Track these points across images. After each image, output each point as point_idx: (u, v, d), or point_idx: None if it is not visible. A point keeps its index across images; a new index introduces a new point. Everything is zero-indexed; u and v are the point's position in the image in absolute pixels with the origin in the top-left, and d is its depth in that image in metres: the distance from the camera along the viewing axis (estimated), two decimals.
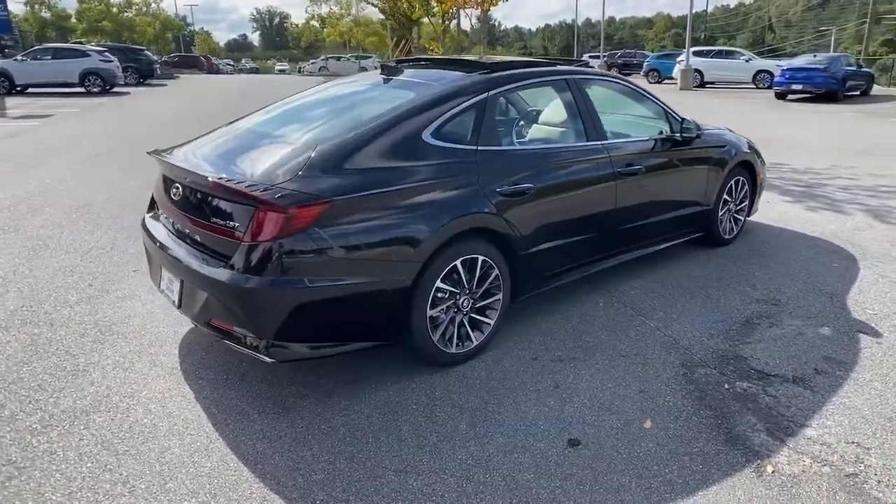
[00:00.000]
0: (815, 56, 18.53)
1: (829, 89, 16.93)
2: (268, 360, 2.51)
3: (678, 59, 24.46)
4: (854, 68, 18.48)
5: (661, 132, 4.00)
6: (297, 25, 77.83)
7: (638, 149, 3.79)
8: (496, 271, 3.00)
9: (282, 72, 56.91)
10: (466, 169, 2.90)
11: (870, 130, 11.87)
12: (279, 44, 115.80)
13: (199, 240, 2.70)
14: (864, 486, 2.16)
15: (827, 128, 12.33)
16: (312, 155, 2.61)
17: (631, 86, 4.02)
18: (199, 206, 2.68)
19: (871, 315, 3.53)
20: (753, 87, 22.70)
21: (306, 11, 41.74)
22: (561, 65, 3.81)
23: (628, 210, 3.69)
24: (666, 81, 26.13)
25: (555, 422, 2.54)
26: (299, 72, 52.17)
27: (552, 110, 3.79)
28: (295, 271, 2.43)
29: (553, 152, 3.40)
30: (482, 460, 2.31)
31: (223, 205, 2.57)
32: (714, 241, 4.63)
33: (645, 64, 28.86)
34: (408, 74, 3.63)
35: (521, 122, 4.10)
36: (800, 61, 18.20)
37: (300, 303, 2.46)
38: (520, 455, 2.34)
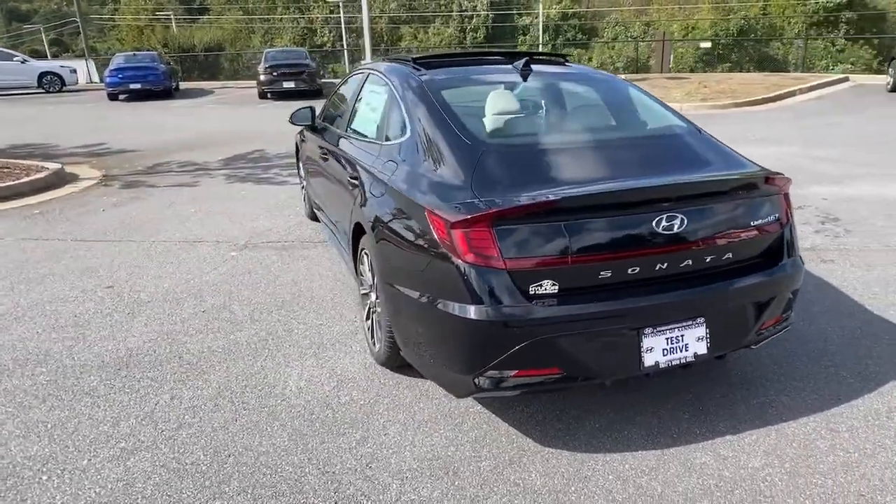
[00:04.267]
0: (134, 55, 18.89)
1: (165, 86, 17.93)
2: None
3: None
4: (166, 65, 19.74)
5: None
6: None
7: None
8: None
9: None
10: None
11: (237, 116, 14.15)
12: None
13: (731, 257, 2.42)
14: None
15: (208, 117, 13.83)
16: (720, 141, 2.79)
17: None
18: (718, 219, 2.39)
19: None
20: (43, 91, 20.85)
21: None
22: None
23: None
24: None
25: None
26: None
27: None
28: None
29: None
30: None
31: (750, 204, 2.47)
32: None
33: None
34: (552, 69, 3.40)
35: None
36: (121, 61, 18.10)
37: None
38: None
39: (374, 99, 3.47)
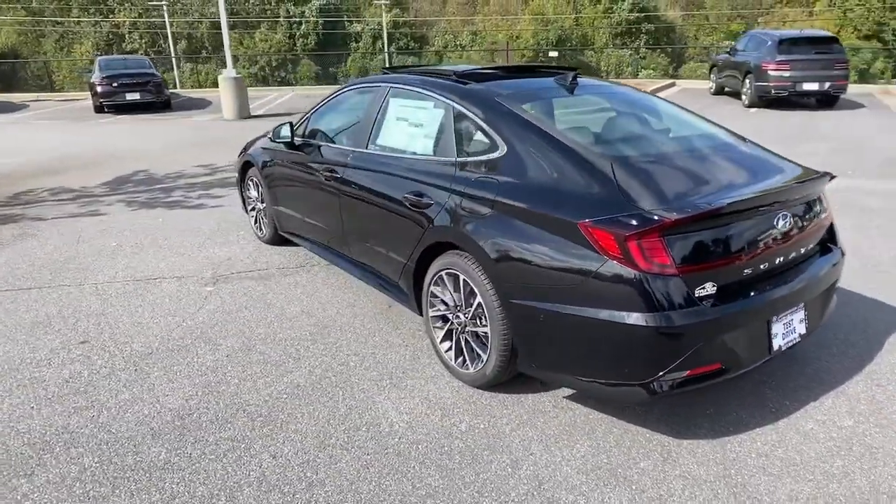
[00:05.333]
0: None
1: None
2: None
3: None
4: None
5: None
6: None
7: None
8: None
9: None
10: None
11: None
12: None
13: (811, 247, 2.78)
14: None
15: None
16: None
17: None
18: (804, 216, 2.72)
19: None
20: None
21: None
22: None
23: None
24: None
25: None
26: None
27: None
28: None
29: None
30: None
31: (819, 200, 2.86)
32: None
33: None
34: (591, 83, 3.48)
35: None
36: None
37: None
38: None
39: (417, 115, 3.35)
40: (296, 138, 4.26)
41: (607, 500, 2.27)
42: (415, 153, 3.29)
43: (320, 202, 4.01)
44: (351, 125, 3.89)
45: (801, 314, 2.66)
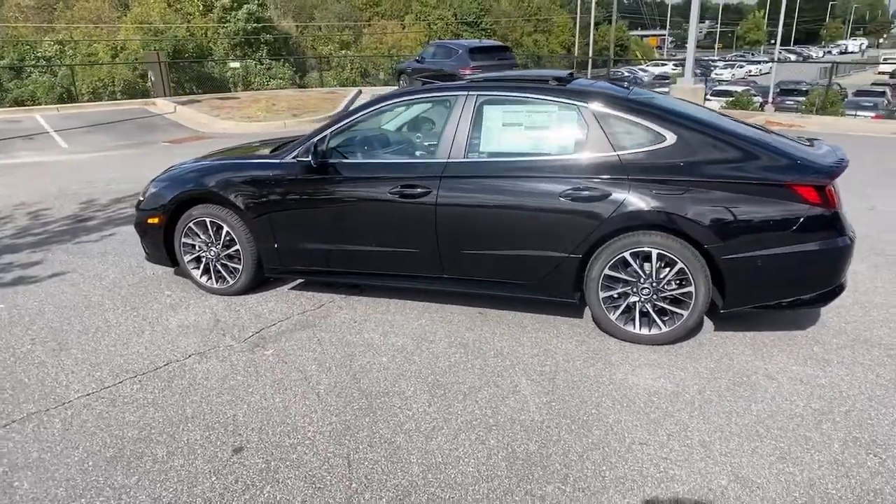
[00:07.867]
0: None
1: None
2: None
3: None
4: None
5: None
6: None
7: None
8: None
9: None
10: None
11: None
12: None
13: None
14: None
15: None
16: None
17: None
18: None
19: None
20: None
21: None
22: None
23: None
24: None
25: None
26: None
27: None
28: None
29: None
30: None
31: None
32: None
33: None
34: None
35: None
36: None
37: None
38: None
39: (538, 119, 3.52)
40: (318, 159, 3.77)
41: (832, 375, 3.16)
42: (549, 154, 3.49)
43: (386, 223, 3.72)
44: (418, 138, 3.73)
45: None
